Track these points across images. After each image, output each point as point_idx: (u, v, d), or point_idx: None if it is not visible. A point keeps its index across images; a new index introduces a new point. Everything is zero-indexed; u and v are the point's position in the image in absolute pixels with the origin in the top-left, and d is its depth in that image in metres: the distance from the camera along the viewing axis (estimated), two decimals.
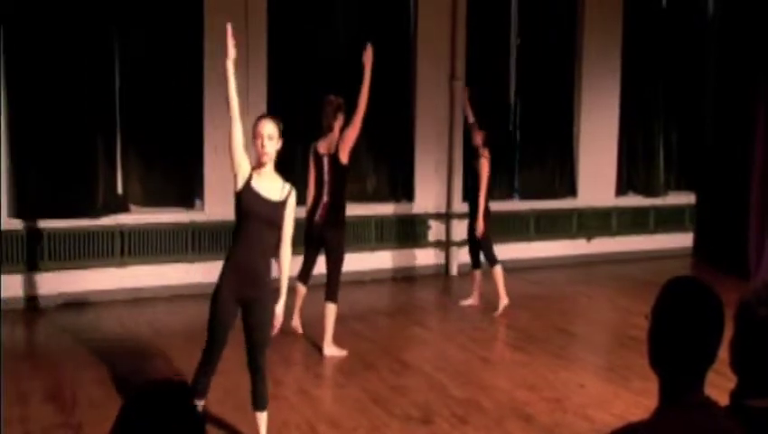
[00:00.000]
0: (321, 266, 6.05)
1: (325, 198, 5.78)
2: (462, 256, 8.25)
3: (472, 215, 7.21)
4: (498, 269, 7.17)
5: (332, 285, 5.82)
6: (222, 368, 4.16)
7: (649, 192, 10.46)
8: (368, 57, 5.66)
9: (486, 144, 7.13)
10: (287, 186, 4.03)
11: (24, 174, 6.99)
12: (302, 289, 6.13)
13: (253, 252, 3.92)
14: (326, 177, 5.78)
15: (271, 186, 3.97)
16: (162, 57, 7.55)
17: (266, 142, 3.90)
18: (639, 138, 10.38)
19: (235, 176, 3.96)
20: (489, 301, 7.27)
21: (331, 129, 5.77)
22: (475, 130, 7.22)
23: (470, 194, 7.28)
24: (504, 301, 7.20)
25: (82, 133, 7.17)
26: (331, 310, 5.83)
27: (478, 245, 7.26)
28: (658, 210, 10.45)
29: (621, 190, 10.30)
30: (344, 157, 5.72)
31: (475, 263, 7.40)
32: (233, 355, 4.40)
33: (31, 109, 6.98)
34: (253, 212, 3.91)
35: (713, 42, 10.30)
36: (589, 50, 9.76)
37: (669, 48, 10.33)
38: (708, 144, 10.28)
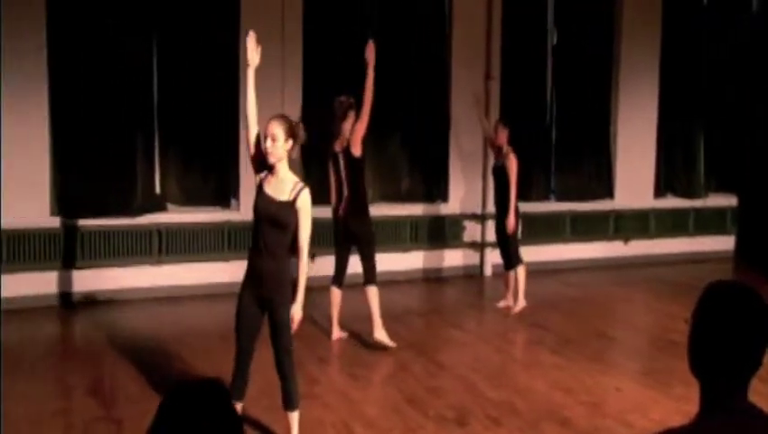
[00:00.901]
0: (353, 266, 6.11)
1: (345, 192, 5.87)
2: (496, 257, 8.19)
3: (500, 215, 7.16)
4: (521, 269, 7.14)
5: (370, 269, 5.91)
6: (256, 368, 4.19)
7: (689, 193, 10.27)
8: (370, 53, 5.74)
9: (510, 142, 7.09)
10: (299, 186, 3.89)
11: (65, 174, 7.15)
12: (337, 293, 6.09)
13: (262, 253, 3.92)
14: (343, 173, 5.88)
15: (281, 186, 3.90)
16: (199, 58, 7.64)
17: (269, 143, 3.85)
18: (678, 139, 10.20)
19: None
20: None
21: (342, 129, 5.87)
22: (500, 129, 7.13)
23: (497, 195, 7.22)
24: (522, 303, 7.17)
25: (121, 134, 7.31)
26: (373, 292, 5.88)
27: (507, 245, 7.21)
28: (698, 212, 10.27)
29: (659, 191, 10.14)
30: (356, 150, 5.80)
31: (507, 265, 7.35)
32: (267, 356, 4.42)
33: (72, 110, 7.12)
34: (259, 213, 3.91)
35: (755, 40, 10.06)
36: (628, 49, 9.62)
37: (709, 47, 10.14)
38: (750, 144, 10.05)
